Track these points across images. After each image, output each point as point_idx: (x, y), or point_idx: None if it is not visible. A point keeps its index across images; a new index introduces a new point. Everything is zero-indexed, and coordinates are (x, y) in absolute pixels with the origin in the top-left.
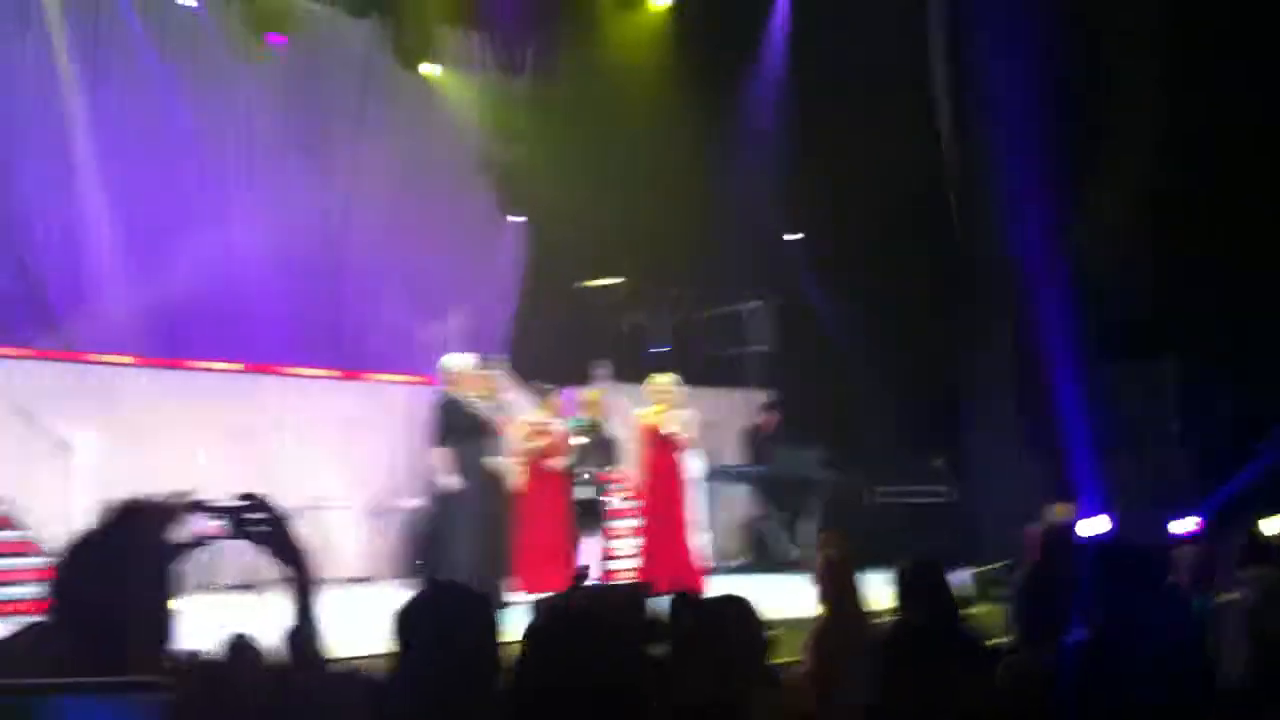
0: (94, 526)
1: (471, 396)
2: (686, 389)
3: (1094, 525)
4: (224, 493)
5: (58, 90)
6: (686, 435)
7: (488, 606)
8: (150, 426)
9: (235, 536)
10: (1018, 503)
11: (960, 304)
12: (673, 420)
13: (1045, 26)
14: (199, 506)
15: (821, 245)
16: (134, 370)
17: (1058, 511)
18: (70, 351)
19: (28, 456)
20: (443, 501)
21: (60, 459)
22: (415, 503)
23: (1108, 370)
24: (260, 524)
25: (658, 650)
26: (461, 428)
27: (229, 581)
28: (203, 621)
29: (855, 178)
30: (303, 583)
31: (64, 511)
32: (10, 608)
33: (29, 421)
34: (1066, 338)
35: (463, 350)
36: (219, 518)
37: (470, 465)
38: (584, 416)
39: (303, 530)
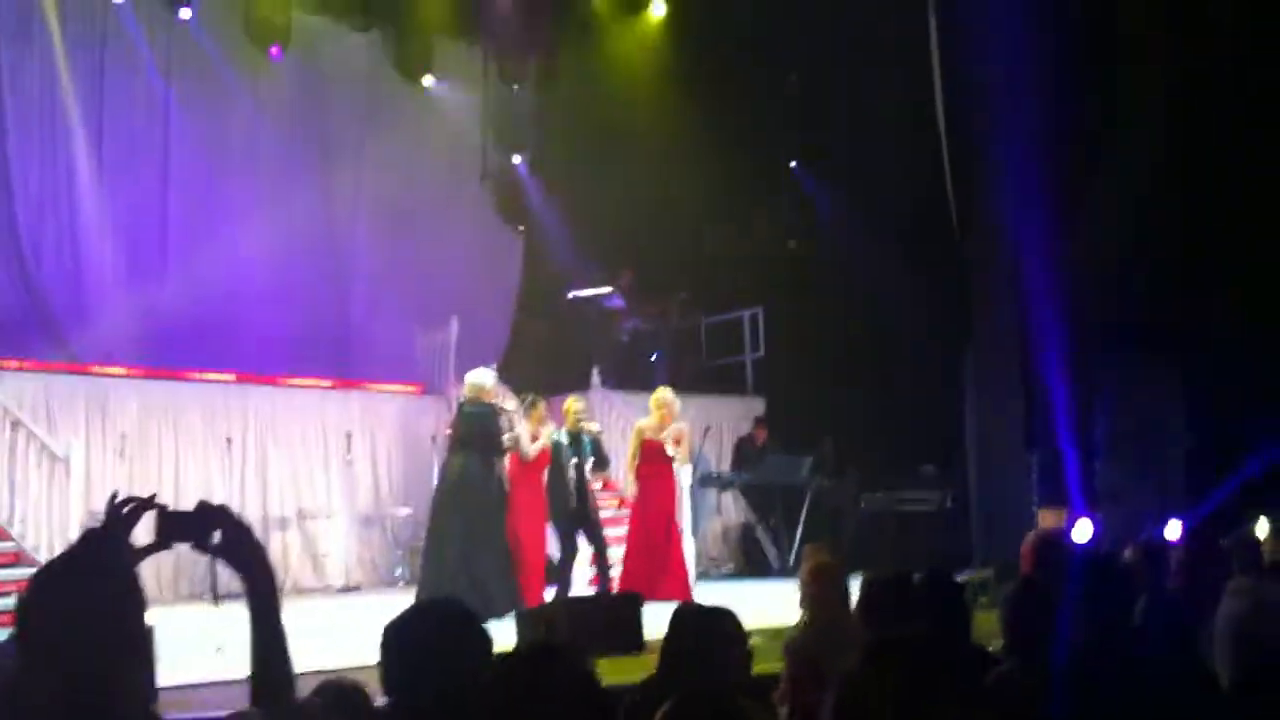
0: (60, 553)
1: (496, 406)
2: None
3: (1081, 530)
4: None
5: (60, 105)
6: (682, 448)
7: (480, 629)
8: (144, 437)
9: (195, 546)
10: (1010, 508)
11: (957, 306)
12: (671, 432)
13: (1045, 18)
14: (161, 512)
15: (818, 251)
16: (129, 381)
17: (1047, 517)
18: (68, 363)
19: (22, 467)
20: (458, 511)
21: (55, 471)
22: (405, 511)
23: (1112, 370)
24: (220, 534)
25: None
26: (490, 438)
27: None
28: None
29: (852, 181)
30: (263, 595)
31: (58, 522)
32: (3, 618)
33: (23, 432)
34: (1065, 337)
35: (461, 362)
36: (180, 525)
37: (492, 475)
38: (566, 426)
39: (293, 539)
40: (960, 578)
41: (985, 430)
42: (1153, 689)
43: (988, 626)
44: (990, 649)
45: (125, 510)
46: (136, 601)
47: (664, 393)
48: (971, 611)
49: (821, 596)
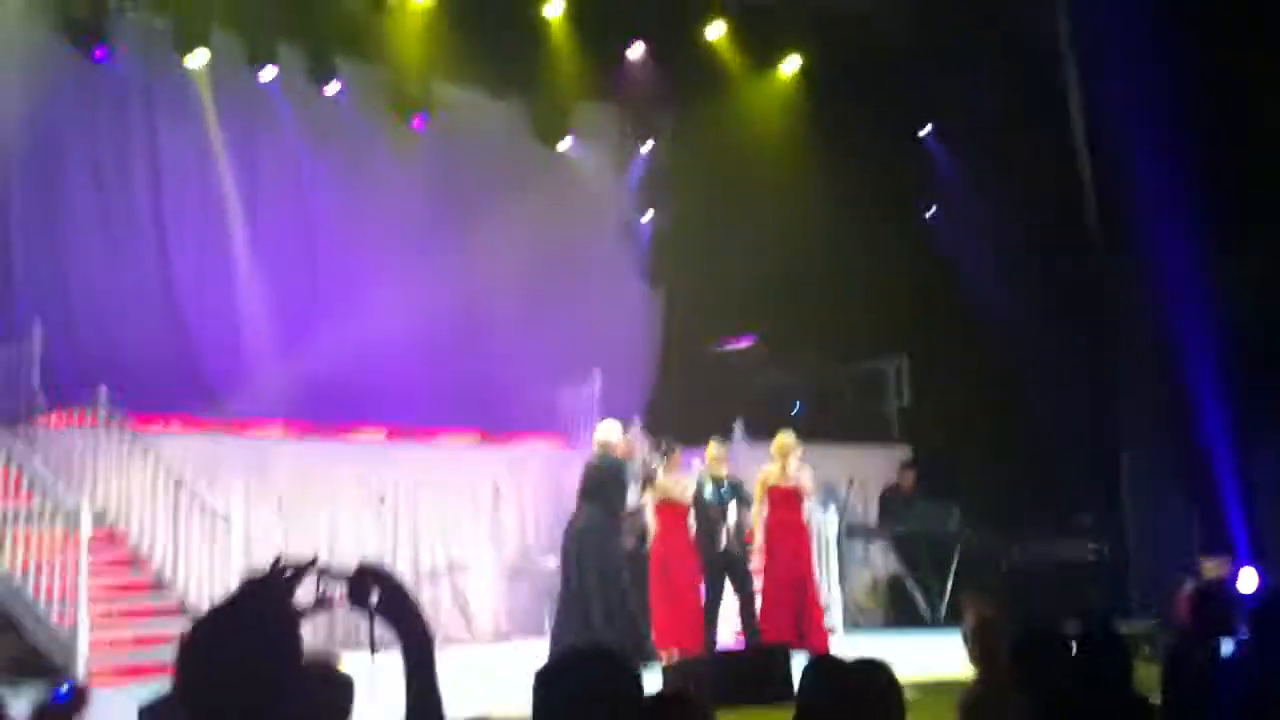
0: (219, 601)
1: (621, 460)
2: (818, 446)
3: (1246, 579)
4: (365, 556)
5: (213, 176)
6: (805, 489)
7: (631, 674)
8: (300, 494)
9: (354, 605)
10: (1170, 557)
11: (1111, 356)
12: (792, 477)
13: (1180, 66)
14: (321, 571)
15: (967, 301)
16: (284, 441)
17: (1210, 567)
18: (226, 423)
19: (185, 525)
20: (581, 564)
21: (215, 527)
22: (553, 562)
23: (1276, 414)
24: (379, 594)
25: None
26: (617, 489)
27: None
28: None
29: (1003, 234)
30: (419, 652)
31: (220, 578)
32: (168, 668)
33: (185, 491)
34: (1224, 381)
35: (605, 414)
36: (338, 584)
37: (614, 528)
38: (710, 473)
39: (443, 591)
40: (1121, 629)
41: (1143, 477)
42: None
43: (1150, 679)
44: (1153, 701)
45: (288, 574)
46: (296, 652)
47: (784, 437)
48: (1133, 664)
49: (990, 649)
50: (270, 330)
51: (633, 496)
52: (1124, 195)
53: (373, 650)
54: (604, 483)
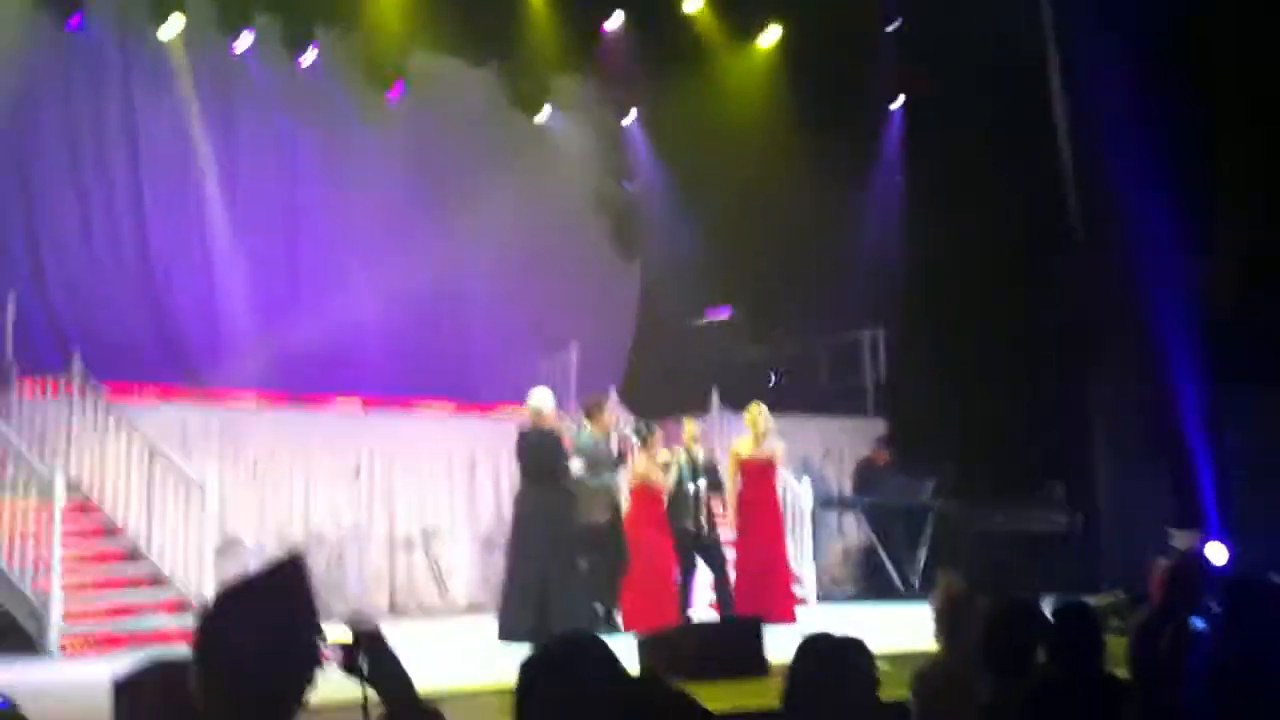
0: (247, 574)
1: (558, 431)
2: (794, 418)
3: (1215, 553)
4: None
5: (191, 147)
6: (777, 461)
7: (622, 669)
8: (274, 463)
9: (345, 670)
10: (1141, 529)
11: (1084, 330)
12: (763, 450)
13: (1161, 66)
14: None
15: (943, 274)
16: (259, 411)
17: (1180, 539)
18: (202, 393)
19: (160, 495)
20: (530, 543)
21: (190, 497)
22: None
23: (1250, 389)
24: (368, 662)
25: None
26: (555, 461)
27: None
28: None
29: (979, 207)
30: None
31: (194, 547)
32: (142, 638)
33: (160, 462)
34: (1194, 361)
35: (583, 385)
36: (331, 647)
37: (559, 502)
38: (685, 449)
39: (418, 560)
40: (1090, 601)
41: (1116, 448)
42: None
43: (1119, 651)
44: (1122, 676)
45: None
46: (316, 625)
47: (755, 409)
48: (1104, 639)
49: (957, 626)
50: (247, 300)
51: (577, 466)
52: (1103, 177)
53: (365, 717)
54: (541, 458)
